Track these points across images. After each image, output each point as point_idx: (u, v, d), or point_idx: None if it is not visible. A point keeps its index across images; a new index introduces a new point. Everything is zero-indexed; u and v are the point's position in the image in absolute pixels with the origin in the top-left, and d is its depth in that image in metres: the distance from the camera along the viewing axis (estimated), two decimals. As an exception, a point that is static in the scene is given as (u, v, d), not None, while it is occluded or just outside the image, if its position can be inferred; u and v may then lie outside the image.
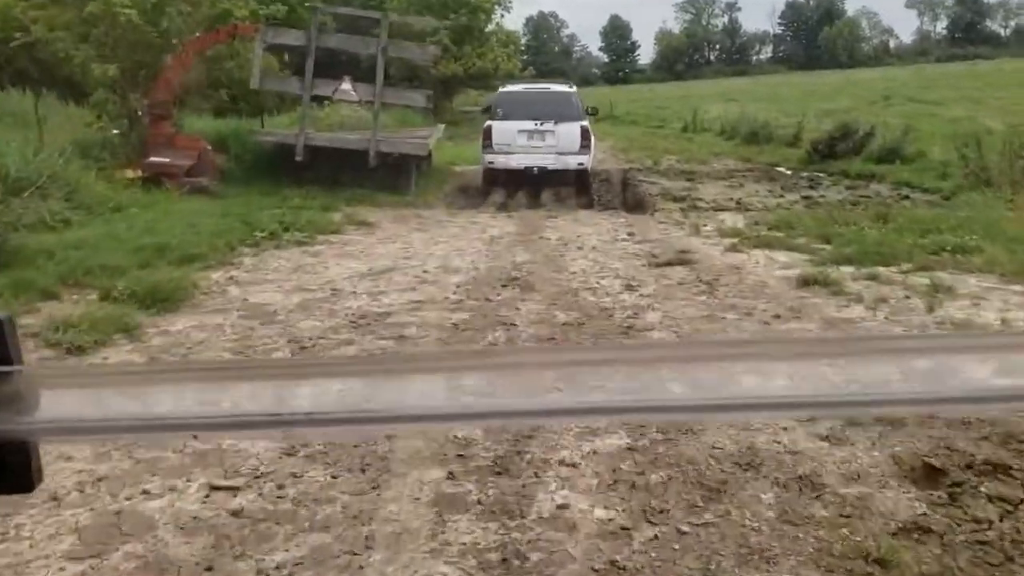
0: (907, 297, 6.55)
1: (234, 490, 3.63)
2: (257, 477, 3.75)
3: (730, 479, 3.59)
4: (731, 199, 12.97)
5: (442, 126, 19.50)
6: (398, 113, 21.36)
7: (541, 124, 13.88)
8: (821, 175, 15.42)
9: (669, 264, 8.08)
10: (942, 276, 7.03)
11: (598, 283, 7.41)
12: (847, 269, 7.48)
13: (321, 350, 5.61)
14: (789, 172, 16.21)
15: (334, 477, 3.74)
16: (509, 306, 6.61)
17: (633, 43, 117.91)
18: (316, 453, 3.98)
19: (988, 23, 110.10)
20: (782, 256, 8.32)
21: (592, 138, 14.13)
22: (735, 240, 9.16)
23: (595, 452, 3.88)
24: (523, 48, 64.22)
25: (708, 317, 6.03)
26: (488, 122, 14.27)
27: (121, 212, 10.26)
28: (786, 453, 3.83)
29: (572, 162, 13.93)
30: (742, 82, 67.09)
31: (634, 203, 13.05)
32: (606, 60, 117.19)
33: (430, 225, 11.05)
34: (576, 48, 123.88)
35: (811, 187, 14.12)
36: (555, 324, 5.99)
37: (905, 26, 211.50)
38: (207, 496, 3.58)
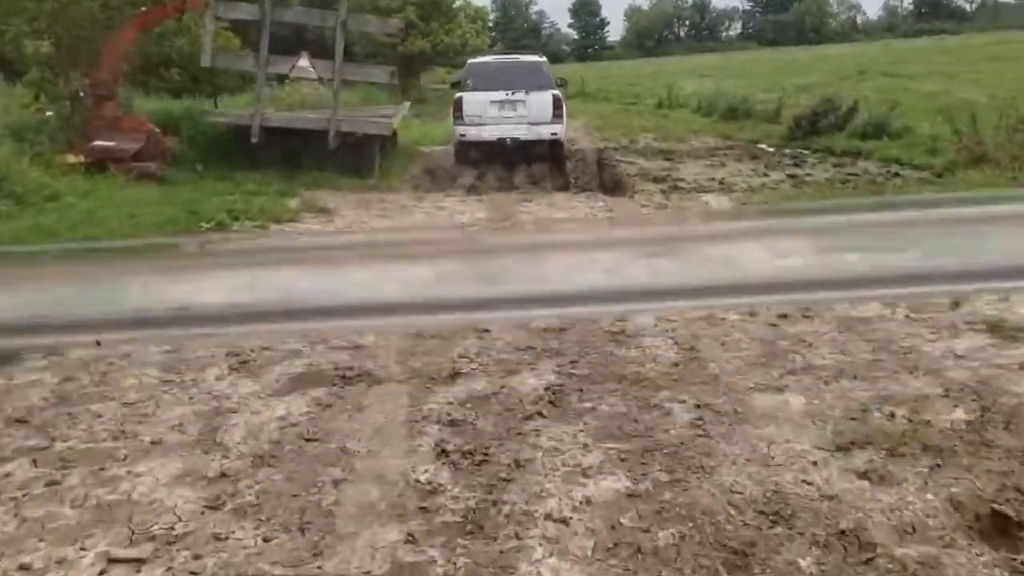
0: (924, 290, 5.88)
1: (138, 563, 2.89)
2: (170, 542, 3.01)
3: (757, 538, 2.89)
4: (713, 179, 12.26)
5: (408, 104, 18.59)
6: (362, 91, 20.45)
7: (512, 94, 13.43)
8: (805, 152, 14.72)
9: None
10: (958, 265, 6.37)
11: (579, 277, 6.68)
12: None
13: (265, 363, 4.86)
14: (771, 149, 15.51)
15: (266, 540, 3.01)
16: (481, 306, 5.86)
17: (602, 20, 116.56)
18: (247, 506, 3.24)
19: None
20: (778, 243, 7.62)
21: (564, 107, 13.61)
22: (724, 225, 8.46)
23: (589, 501, 3.16)
24: (491, 25, 63.21)
25: (708, 318, 5.32)
26: (458, 94, 13.72)
27: (57, 201, 9.36)
28: (821, 498, 3.13)
29: (545, 132, 13.46)
30: (712, 58, 66.35)
31: (612, 184, 12.32)
32: (576, 37, 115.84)
33: (394, 211, 10.24)
34: (545, 25, 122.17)
35: (796, 165, 13.45)
36: (533, 329, 5.26)
37: (872, 1, 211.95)
38: (102, 573, 2.83)
